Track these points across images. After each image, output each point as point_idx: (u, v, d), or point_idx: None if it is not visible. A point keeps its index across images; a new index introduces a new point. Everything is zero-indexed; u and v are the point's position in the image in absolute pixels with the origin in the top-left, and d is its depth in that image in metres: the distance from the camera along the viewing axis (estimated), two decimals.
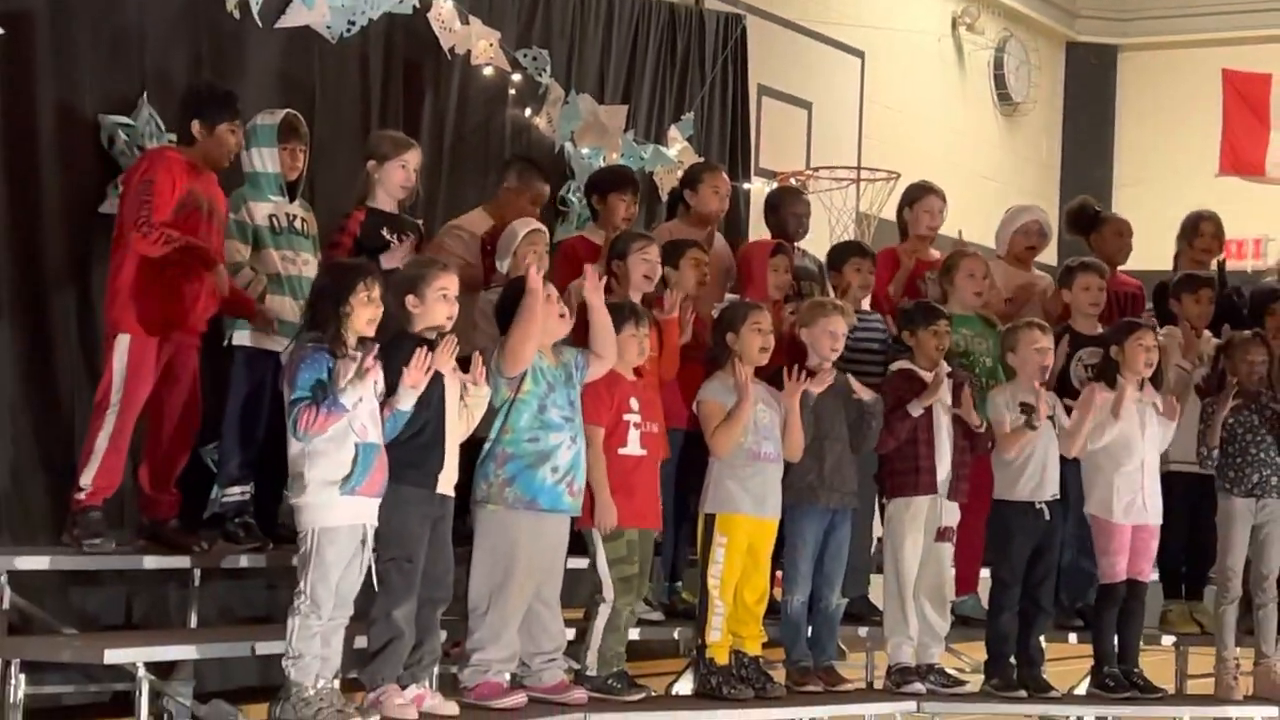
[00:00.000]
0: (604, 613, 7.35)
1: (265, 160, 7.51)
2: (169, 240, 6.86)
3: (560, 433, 7.00)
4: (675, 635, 8.30)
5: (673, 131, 10.55)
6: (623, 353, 7.31)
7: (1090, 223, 9.75)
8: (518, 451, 6.93)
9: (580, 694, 7.17)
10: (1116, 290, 9.39)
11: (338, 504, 6.25)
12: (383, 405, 6.38)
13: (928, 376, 8.05)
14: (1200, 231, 9.72)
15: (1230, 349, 8.65)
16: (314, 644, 6.24)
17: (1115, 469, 8.26)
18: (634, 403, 7.37)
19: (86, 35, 7.65)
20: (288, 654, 6.26)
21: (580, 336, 7.22)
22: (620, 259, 7.85)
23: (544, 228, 8.01)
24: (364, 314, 6.31)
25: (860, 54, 13.67)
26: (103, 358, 7.10)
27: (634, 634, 7.72)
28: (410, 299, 6.58)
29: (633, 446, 7.37)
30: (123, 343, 6.94)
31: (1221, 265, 9.66)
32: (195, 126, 7.15)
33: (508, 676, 7.03)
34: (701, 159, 10.03)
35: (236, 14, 8.12)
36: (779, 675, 7.91)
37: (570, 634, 7.33)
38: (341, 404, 6.17)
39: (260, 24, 8.23)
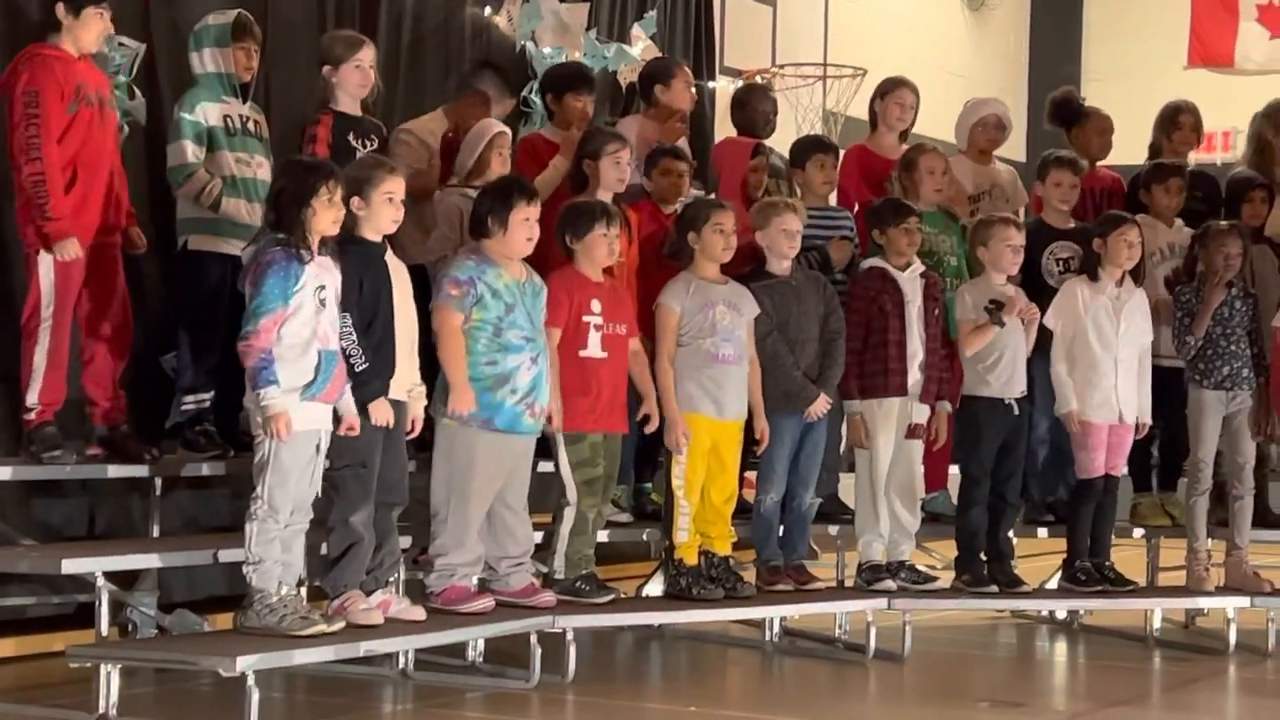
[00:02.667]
0: (569, 516, 7.35)
1: (217, 61, 7.42)
2: (36, 191, 6.68)
3: (519, 354, 6.95)
4: (644, 537, 8.29)
5: (635, 30, 10.49)
6: (593, 253, 7.26)
7: (1074, 116, 9.70)
8: (475, 375, 6.91)
9: (548, 597, 7.17)
10: (1095, 185, 9.36)
11: (298, 409, 6.19)
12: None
13: (899, 276, 8.01)
14: (1179, 124, 9.67)
15: (1206, 239, 8.58)
16: (273, 549, 6.24)
17: (1090, 367, 8.22)
18: (596, 304, 7.33)
19: None
20: (248, 560, 6.27)
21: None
22: (592, 159, 7.78)
23: (508, 130, 7.98)
24: (327, 215, 6.27)
25: None
26: (24, 274, 6.95)
27: (603, 536, 7.75)
28: (355, 201, 6.51)
29: (593, 349, 7.33)
30: (46, 260, 6.79)
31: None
32: (60, 10, 6.88)
33: (475, 581, 7.05)
34: (663, 56, 9.91)
35: None
36: (749, 575, 7.91)
37: (538, 538, 7.30)
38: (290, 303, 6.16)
39: None
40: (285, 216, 6.24)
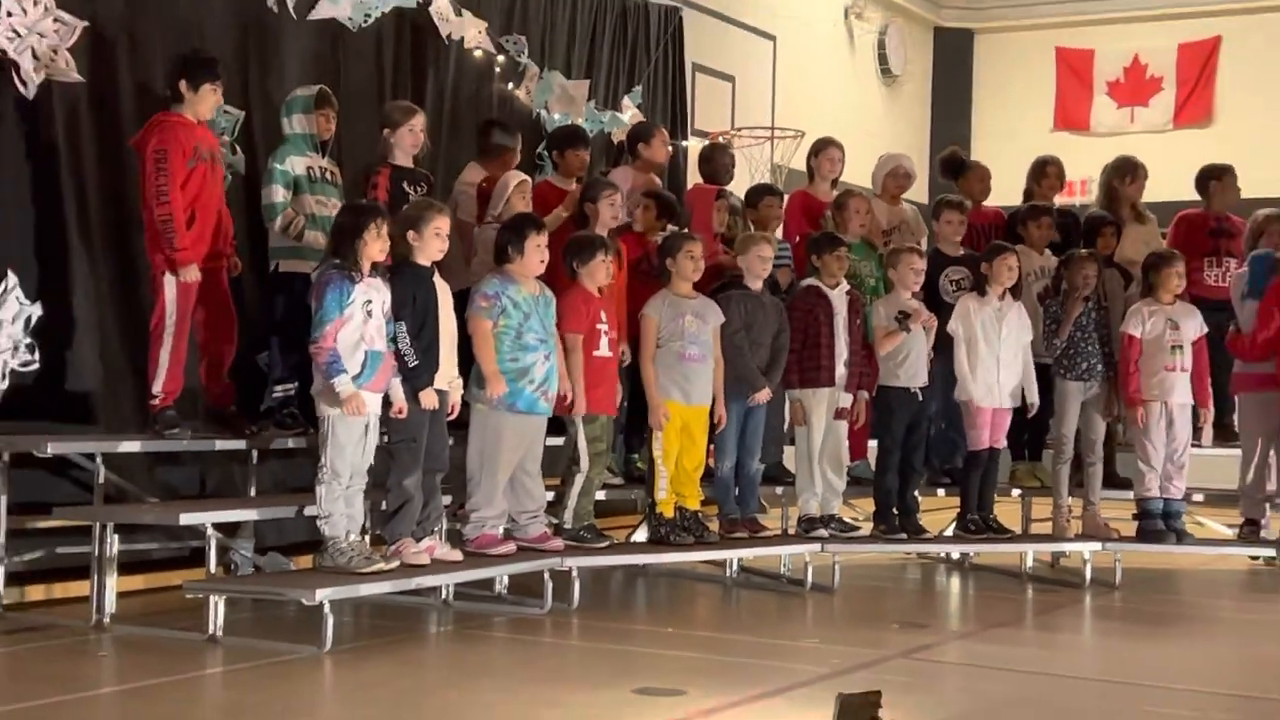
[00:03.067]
0: (579, 480, 7.33)
1: (304, 124, 7.38)
2: (165, 227, 6.65)
3: (535, 353, 6.93)
4: (632, 496, 8.26)
5: (625, 101, 10.43)
6: (595, 275, 7.24)
7: (958, 168, 9.68)
8: (502, 368, 6.90)
9: (558, 543, 7.14)
10: (982, 221, 9.35)
11: None
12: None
13: (831, 294, 7.98)
14: (1047, 174, 9.67)
15: (1069, 264, 8.58)
16: (339, 505, 6.24)
17: (978, 363, 8.21)
18: (603, 314, 7.32)
19: (155, 25, 7.44)
20: (320, 514, 6.27)
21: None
22: (592, 202, 7.77)
23: (528, 178, 7.99)
24: (375, 246, 6.27)
25: (772, 38, 13.51)
26: (150, 291, 6.90)
27: (601, 496, 7.71)
28: (411, 234, 6.51)
29: (603, 349, 7.36)
30: (171, 282, 6.75)
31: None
32: (183, 86, 6.84)
33: (500, 530, 7.02)
34: (645, 120, 9.87)
35: (275, 8, 7.94)
36: (714, 526, 7.88)
37: (550, 496, 7.28)
38: (343, 369, 6.17)
39: (295, 16, 8.04)
40: (342, 246, 6.26)
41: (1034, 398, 8.33)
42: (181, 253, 6.68)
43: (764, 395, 7.77)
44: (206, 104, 6.91)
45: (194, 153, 6.78)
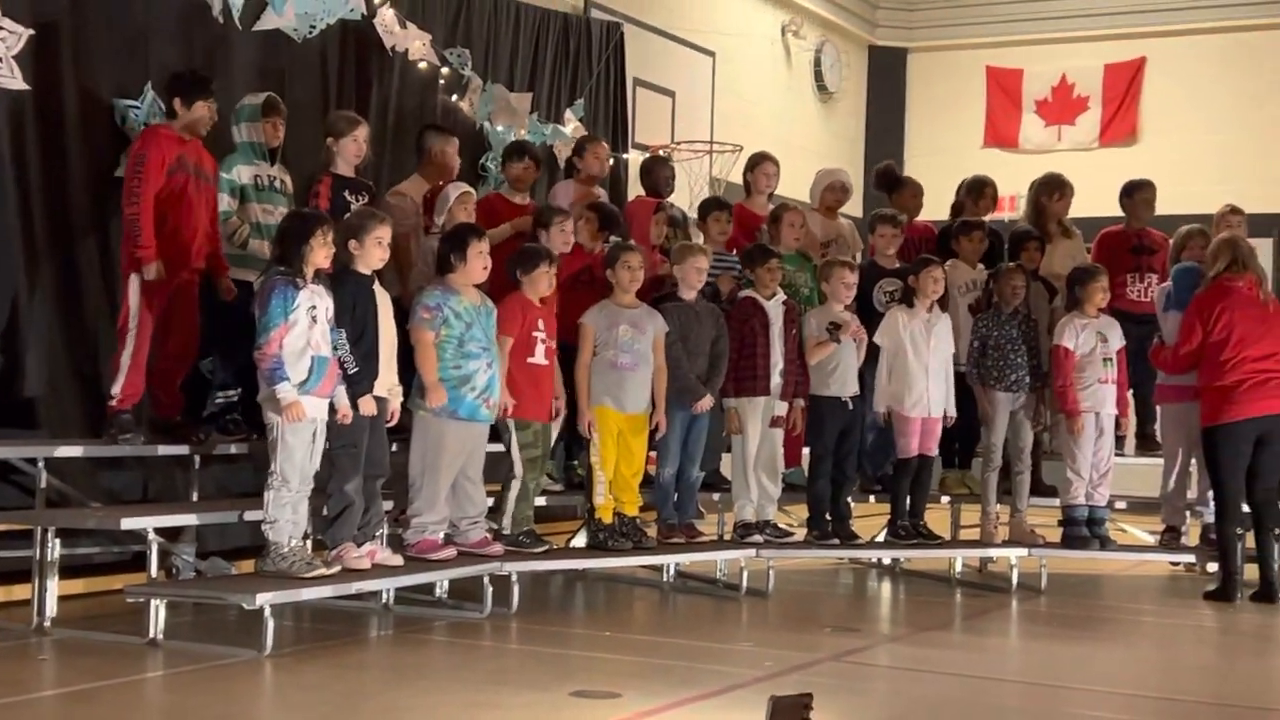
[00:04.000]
0: (515, 486, 7.31)
1: (251, 132, 7.35)
2: (132, 226, 6.66)
3: (478, 360, 6.92)
4: (572, 502, 8.25)
5: (568, 114, 10.44)
6: (536, 285, 7.24)
7: (892, 183, 9.74)
8: (444, 376, 6.87)
9: (498, 548, 7.12)
10: (915, 235, 9.40)
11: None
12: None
13: (766, 305, 8.01)
14: (985, 194, 9.72)
15: (998, 277, 8.66)
16: (285, 510, 6.19)
17: (907, 373, 8.26)
18: (540, 323, 7.31)
19: (102, 34, 7.38)
20: (266, 519, 6.21)
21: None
22: (544, 229, 7.80)
23: (471, 190, 7.95)
24: (321, 253, 6.24)
25: (712, 54, 13.54)
26: (121, 293, 6.88)
27: (540, 501, 7.70)
28: (352, 243, 6.48)
29: (539, 357, 7.32)
30: (135, 282, 6.73)
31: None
32: (177, 103, 6.93)
33: (441, 535, 6.98)
34: (587, 134, 9.87)
35: (221, 19, 7.88)
36: (652, 531, 7.89)
37: (490, 502, 7.25)
38: (286, 376, 6.13)
39: (240, 26, 7.99)
40: (287, 253, 6.22)
41: (953, 410, 8.39)
42: (144, 250, 6.65)
43: (705, 404, 7.78)
44: (200, 121, 6.93)
45: (177, 163, 6.79)
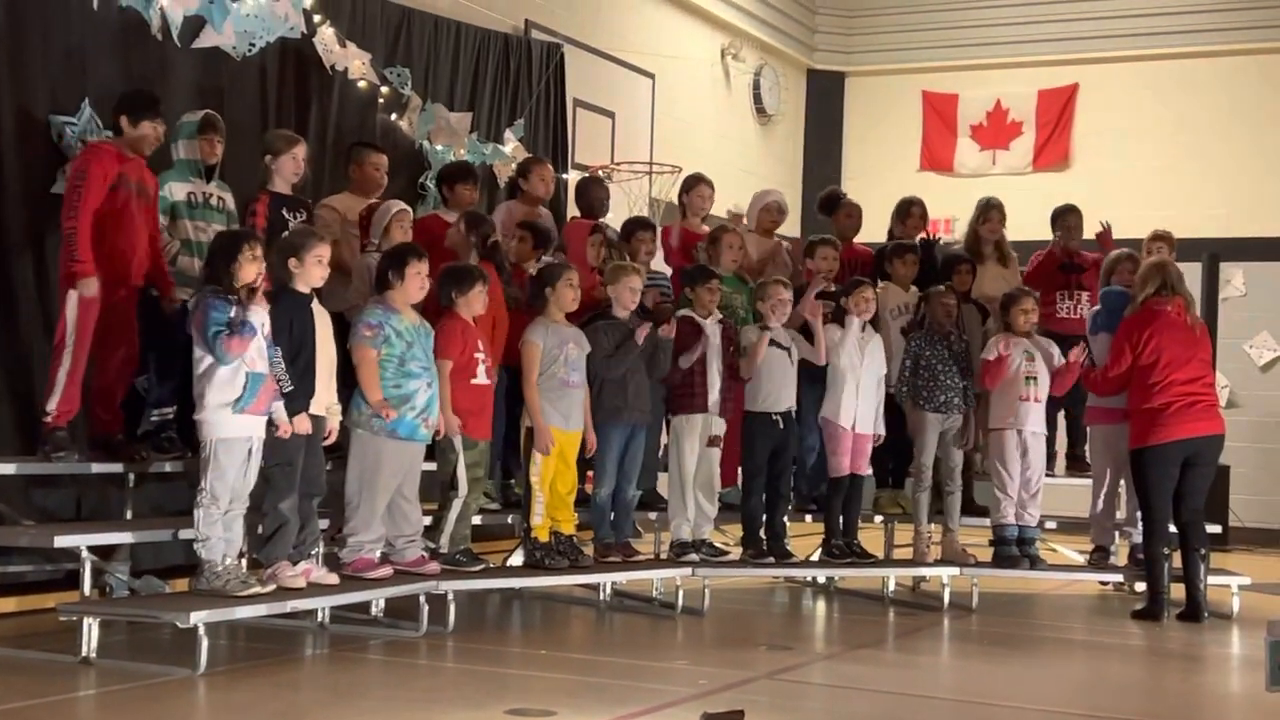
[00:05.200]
0: (457, 505, 7.32)
1: (187, 149, 7.31)
2: (69, 240, 6.61)
3: (418, 380, 6.93)
4: (509, 520, 8.24)
5: (508, 134, 10.45)
6: (472, 304, 7.24)
7: (833, 206, 9.85)
8: (384, 395, 6.83)
9: (434, 566, 7.12)
10: (852, 257, 9.50)
11: (231, 420, 6.15)
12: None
13: (704, 324, 8.06)
14: (911, 213, 9.84)
15: (929, 298, 8.77)
16: (216, 528, 6.17)
17: (841, 388, 8.35)
18: (480, 343, 7.31)
19: (39, 51, 7.32)
20: (197, 538, 6.19)
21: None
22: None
23: (409, 208, 7.95)
24: (250, 268, 6.24)
25: (652, 75, 13.58)
26: (56, 309, 6.83)
27: (477, 520, 7.69)
28: (292, 261, 6.48)
29: (481, 378, 7.34)
30: (73, 297, 6.67)
31: (928, 242, 9.75)
32: (123, 121, 6.91)
33: (378, 554, 6.97)
34: (531, 155, 9.90)
35: (159, 36, 7.84)
36: (589, 550, 7.90)
37: (427, 521, 7.25)
38: (252, 326, 6.12)
39: (179, 44, 7.95)
40: (216, 271, 6.23)
41: (881, 429, 8.48)
42: (81, 265, 6.60)
43: (642, 331, 7.71)
44: (145, 140, 6.90)
45: (119, 180, 6.75)
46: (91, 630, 5.95)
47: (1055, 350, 8.62)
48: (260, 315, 6.25)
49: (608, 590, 8.20)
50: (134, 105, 6.94)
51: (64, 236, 6.68)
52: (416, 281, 6.97)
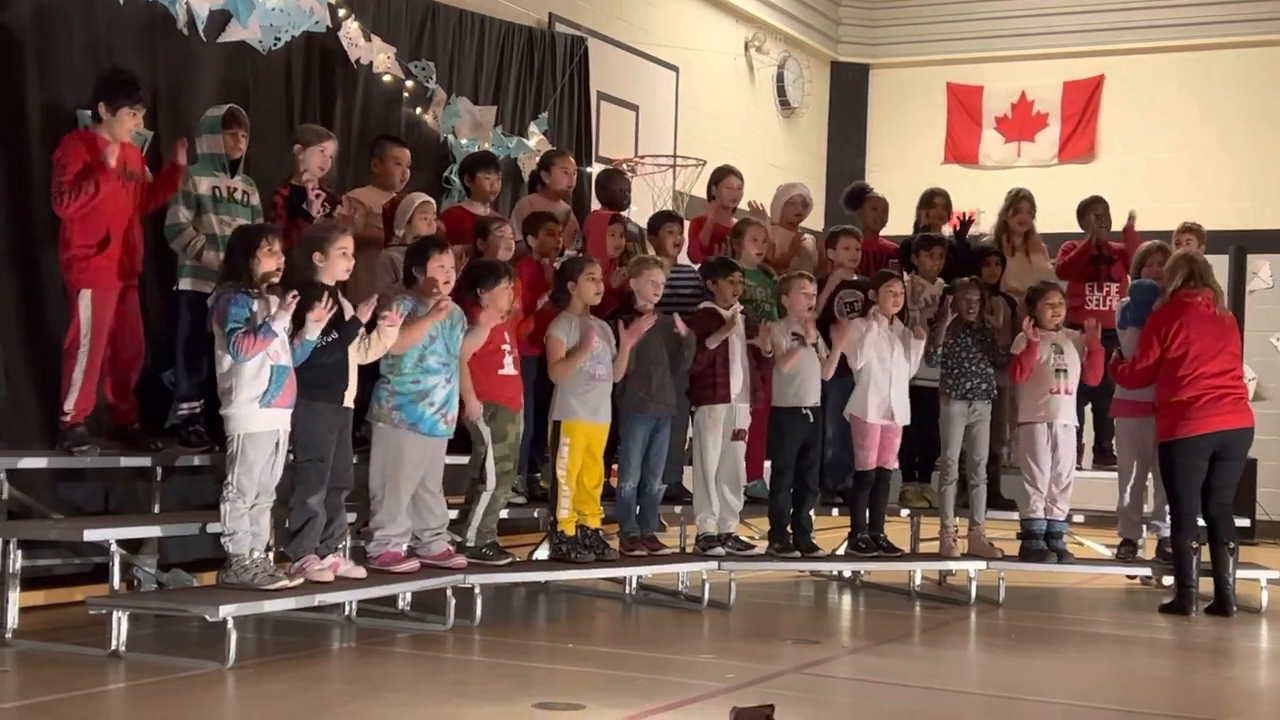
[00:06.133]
0: (485, 499, 7.33)
1: (211, 144, 7.31)
2: (75, 195, 6.62)
3: (437, 376, 6.94)
4: (535, 514, 8.25)
5: (532, 127, 10.45)
6: (498, 301, 7.24)
7: (859, 199, 9.85)
8: (402, 389, 6.89)
9: (461, 560, 7.13)
10: (877, 250, 9.49)
11: (258, 415, 6.17)
12: (292, 337, 6.27)
13: (725, 314, 8.06)
14: (934, 204, 9.83)
15: (954, 290, 8.75)
16: (243, 522, 6.19)
17: (870, 381, 8.33)
18: (507, 335, 7.34)
19: (65, 45, 7.35)
20: (224, 532, 6.21)
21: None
22: (483, 238, 7.78)
23: (432, 200, 7.95)
24: (268, 263, 6.24)
25: (675, 68, 13.58)
26: (62, 312, 6.88)
27: (503, 514, 7.70)
28: (316, 255, 6.48)
29: (508, 368, 7.37)
30: (85, 297, 6.72)
31: (965, 224, 9.73)
32: (101, 108, 6.85)
33: (404, 548, 6.98)
34: (554, 148, 9.90)
35: (185, 30, 7.86)
36: (614, 544, 7.90)
37: (453, 514, 7.26)
38: (273, 330, 6.10)
39: (205, 38, 7.97)
40: (235, 266, 6.23)
41: (906, 419, 8.46)
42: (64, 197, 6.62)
43: (645, 322, 7.68)
44: (124, 126, 6.87)
45: (92, 160, 6.72)
46: (121, 624, 5.97)
47: (1079, 338, 8.60)
48: (284, 320, 6.22)
49: (633, 584, 8.21)
50: (112, 91, 6.85)
51: (63, 238, 6.72)
52: (440, 274, 6.97)
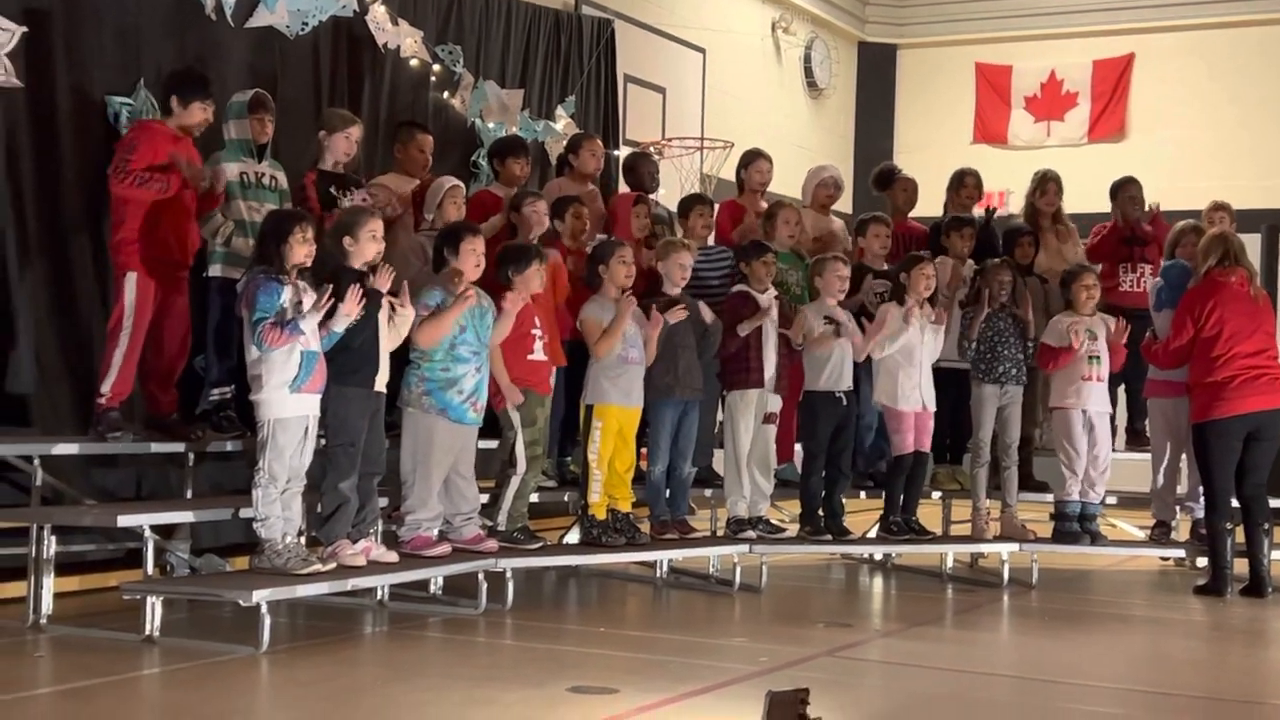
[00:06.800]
0: (515, 483, 7.33)
1: (238, 129, 7.32)
2: (139, 180, 6.66)
3: (467, 364, 6.93)
4: (565, 498, 8.27)
5: (559, 110, 10.44)
6: (528, 283, 7.23)
7: (888, 181, 9.79)
8: (431, 376, 6.89)
9: (492, 544, 7.14)
10: (906, 233, 9.44)
11: (288, 400, 6.19)
12: (321, 324, 6.26)
13: (760, 298, 8.04)
14: (964, 184, 9.78)
15: (985, 272, 8.69)
16: (275, 507, 6.21)
17: (899, 368, 8.30)
18: (537, 320, 7.31)
19: (93, 31, 7.38)
20: (256, 517, 6.22)
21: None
22: (517, 211, 7.77)
23: (461, 184, 7.94)
24: (300, 250, 6.24)
25: (702, 50, 13.55)
26: (113, 290, 6.89)
27: (534, 498, 7.71)
28: (347, 240, 6.49)
29: (538, 354, 7.36)
30: (131, 280, 6.75)
31: (990, 212, 9.71)
32: (174, 102, 6.95)
33: (436, 532, 6.99)
34: (581, 131, 9.88)
35: (213, 16, 7.88)
36: (645, 527, 7.90)
37: (484, 499, 7.27)
38: (300, 329, 6.12)
39: (233, 23, 7.99)
40: (266, 252, 6.23)
41: (933, 405, 8.42)
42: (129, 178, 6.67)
43: (679, 313, 7.68)
44: (194, 119, 6.96)
45: (170, 159, 6.78)
46: (155, 609, 6.00)
47: (1113, 323, 8.54)
48: (310, 295, 6.22)
49: (664, 567, 8.21)
50: (184, 86, 6.97)
51: (115, 219, 6.74)
52: (472, 259, 6.96)
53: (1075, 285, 8.52)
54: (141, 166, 6.68)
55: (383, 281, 6.49)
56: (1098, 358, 8.44)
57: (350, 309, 6.27)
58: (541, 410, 7.36)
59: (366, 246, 6.54)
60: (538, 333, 7.30)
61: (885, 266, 8.89)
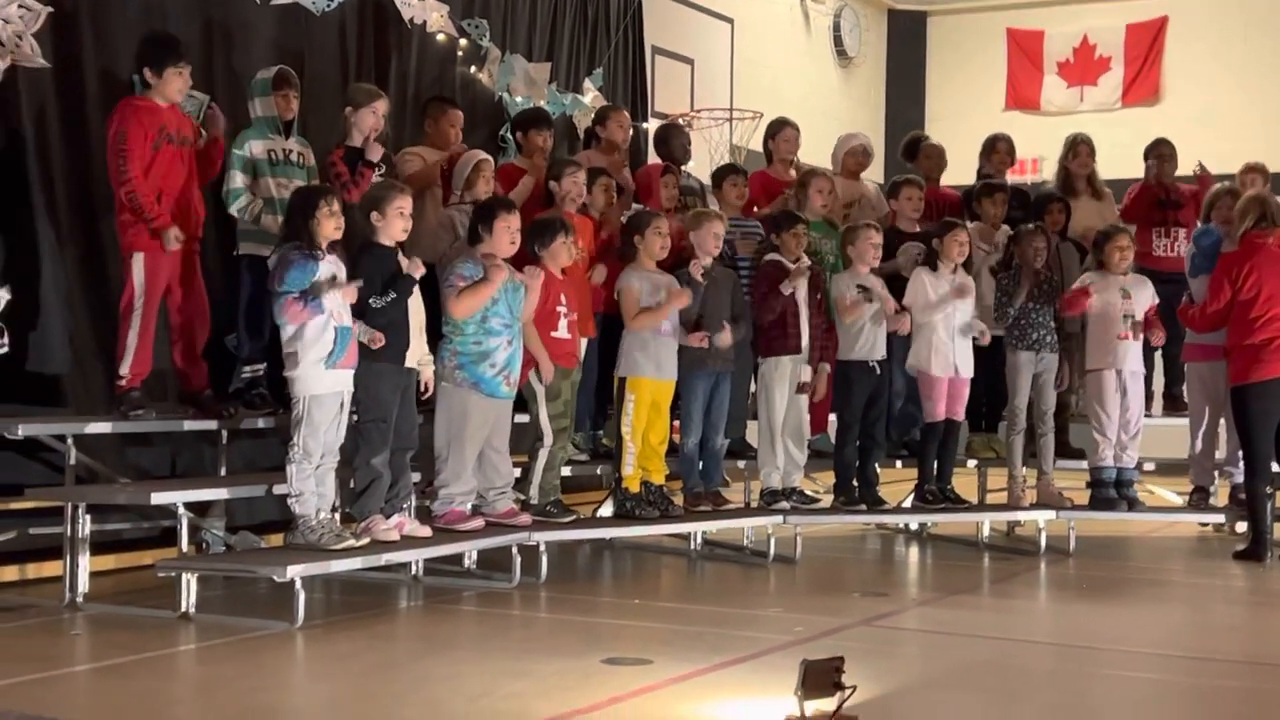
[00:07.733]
0: (542, 454, 7.31)
1: (263, 106, 7.27)
2: (133, 203, 6.60)
3: (499, 337, 6.92)
4: (598, 471, 8.26)
5: (586, 83, 10.40)
6: (556, 257, 7.21)
7: (916, 150, 9.74)
8: (463, 349, 6.87)
9: (525, 518, 7.13)
10: (938, 199, 9.38)
11: (323, 376, 6.19)
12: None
13: (791, 267, 7.99)
14: (996, 150, 9.72)
15: (1018, 238, 8.61)
16: (309, 484, 6.21)
17: (933, 333, 8.24)
18: (563, 297, 7.30)
19: (119, 10, 7.37)
20: (290, 493, 6.24)
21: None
22: (556, 180, 7.74)
23: (490, 158, 7.92)
24: (329, 224, 6.25)
25: (730, 20, 13.48)
26: (119, 276, 6.89)
27: (567, 471, 7.71)
28: (374, 215, 6.48)
29: (562, 331, 7.33)
30: (138, 260, 6.72)
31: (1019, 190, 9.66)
32: (147, 73, 6.79)
33: (469, 506, 6.99)
34: (609, 104, 9.84)
35: None
36: (679, 500, 7.88)
37: (517, 473, 7.26)
38: (322, 306, 6.13)
39: (259, 1, 7.96)
40: (295, 228, 6.24)
41: (969, 372, 8.36)
42: (158, 220, 6.64)
43: (726, 337, 7.68)
44: (172, 87, 6.80)
45: (159, 133, 6.71)
46: (190, 585, 6.02)
47: (1150, 291, 8.46)
48: (342, 268, 6.22)
49: (698, 539, 8.19)
50: (153, 55, 6.78)
51: (120, 202, 6.68)
52: (506, 235, 6.93)
53: (1109, 246, 8.44)
54: (140, 173, 6.60)
55: (415, 270, 6.48)
56: (1132, 316, 8.36)
57: (350, 297, 6.25)
58: (566, 383, 7.34)
59: (394, 223, 6.53)
60: (563, 309, 7.27)
61: (917, 229, 8.82)
